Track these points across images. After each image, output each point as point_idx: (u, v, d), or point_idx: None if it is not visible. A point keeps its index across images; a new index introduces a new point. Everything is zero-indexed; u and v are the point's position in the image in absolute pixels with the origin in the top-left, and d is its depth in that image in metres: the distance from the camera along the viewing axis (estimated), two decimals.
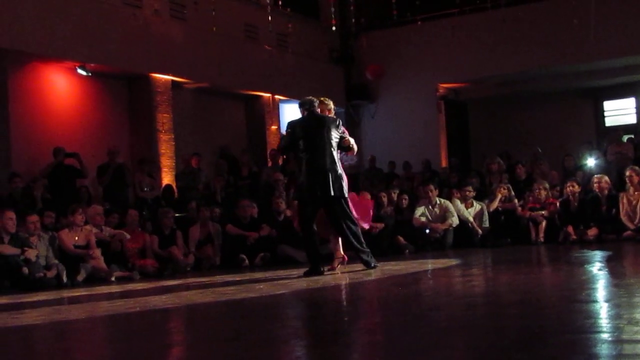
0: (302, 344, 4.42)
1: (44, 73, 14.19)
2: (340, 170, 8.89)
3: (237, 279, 9.59)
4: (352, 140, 9.17)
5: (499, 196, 13.67)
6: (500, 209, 13.63)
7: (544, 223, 12.93)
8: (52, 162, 13.21)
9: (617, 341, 3.79)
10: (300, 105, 9.23)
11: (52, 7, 13.43)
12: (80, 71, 14.16)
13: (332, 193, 8.74)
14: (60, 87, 14.56)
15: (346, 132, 9.22)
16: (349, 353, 4.16)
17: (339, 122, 9.12)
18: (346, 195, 8.93)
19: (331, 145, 8.88)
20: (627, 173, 12.54)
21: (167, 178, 15.45)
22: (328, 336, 4.76)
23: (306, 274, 8.78)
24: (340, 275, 8.64)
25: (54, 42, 13.50)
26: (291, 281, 8.61)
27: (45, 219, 11.34)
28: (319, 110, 9.19)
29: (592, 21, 17.06)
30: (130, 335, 5.15)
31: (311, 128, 8.97)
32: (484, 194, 14.36)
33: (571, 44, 18.30)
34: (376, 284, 7.70)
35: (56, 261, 10.51)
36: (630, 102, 21.21)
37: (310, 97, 9.26)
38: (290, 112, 20.02)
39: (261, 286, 8.45)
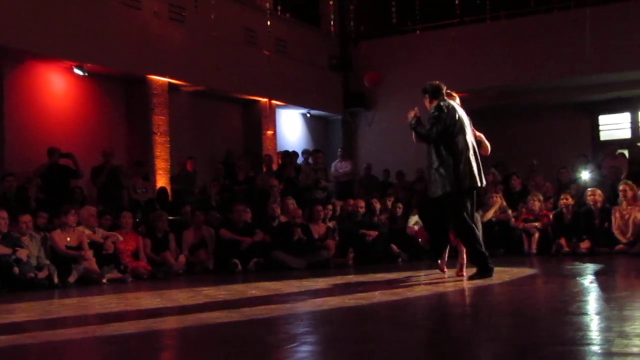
0: (294, 350, 4.41)
1: (41, 72, 14.17)
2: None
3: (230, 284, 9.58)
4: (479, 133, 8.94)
5: (496, 206, 13.68)
6: (494, 219, 13.63)
7: (537, 234, 12.94)
8: (46, 162, 13.17)
9: (607, 354, 3.79)
10: (426, 92, 8.61)
11: (50, 5, 13.41)
12: (77, 71, 14.14)
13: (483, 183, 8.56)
14: (57, 86, 14.53)
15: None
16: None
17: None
18: None
19: None
20: (621, 187, 12.57)
21: (162, 181, 15.42)
22: (319, 343, 4.76)
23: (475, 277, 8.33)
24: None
25: (51, 41, 13.48)
26: (282, 287, 8.62)
27: (38, 219, 11.30)
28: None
29: (587, 36, 17.11)
30: (122, 338, 5.13)
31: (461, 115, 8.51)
32: (478, 204, 14.34)
33: (568, 58, 18.34)
34: (367, 290, 7.68)
35: (48, 262, 10.46)
36: (625, 117, 21.26)
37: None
38: (287, 117, 20.08)
39: (253, 291, 8.45)
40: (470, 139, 8.45)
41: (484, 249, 8.44)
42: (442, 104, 8.38)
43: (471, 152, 8.38)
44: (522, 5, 18.87)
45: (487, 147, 8.93)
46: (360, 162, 19.50)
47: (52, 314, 7.05)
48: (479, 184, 8.41)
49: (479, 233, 8.63)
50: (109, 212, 12.58)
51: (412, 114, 8.53)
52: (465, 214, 8.32)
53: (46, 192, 12.86)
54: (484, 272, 8.29)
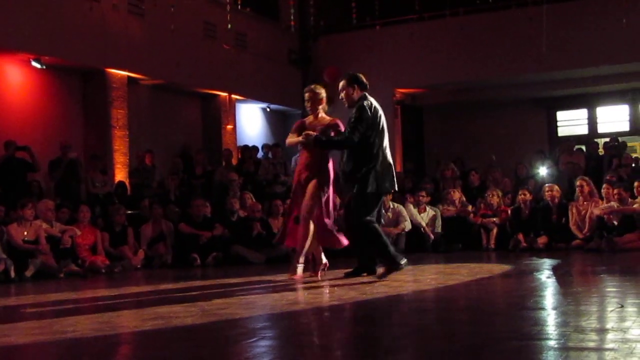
0: (253, 344, 4.41)
1: None
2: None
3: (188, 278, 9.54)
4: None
5: (456, 198, 13.83)
6: (454, 214, 13.74)
7: (495, 230, 13.06)
8: (2, 155, 13.01)
9: (564, 348, 3.84)
10: (356, 82, 8.34)
11: None
12: (34, 64, 13.96)
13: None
14: (14, 79, 14.34)
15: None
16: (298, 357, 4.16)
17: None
18: None
19: None
20: (578, 183, 12.73)
21: (120, 174, 15.31)
22: (278, 337, 4.77)
23: (385, 275, 7.96)
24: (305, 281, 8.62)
25: (8, 33, 13.27)
26: (241, 282, 8.61)
27: None
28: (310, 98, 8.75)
29: (544, 33, 17.28)
30: (79, 333, 5.09)
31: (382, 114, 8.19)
32: (437, 200, 14.46)
33: (526, 54, 18.49)
34: (326, 285, 7.69)
35: (4, 256, 10.35)
36: (582, 113, 21.51)
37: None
38: (247, 112, 20.02)
39: (213, 285, 8.43)
40: (387, 139, 8.21)
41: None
42: (365, 103, 8.09)
43: (388, 154, 8.16)
44: (480, 1, 18.98)
45: None
46: None
47: (8, 308, 6.98)
48: (396, 188, 8.34)
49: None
50: (67, 205, 12.48)
51: (310, 135, 8.25)
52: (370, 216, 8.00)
53: (2, 186, 12.70)
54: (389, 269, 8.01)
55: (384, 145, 8.11)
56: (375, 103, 8.21)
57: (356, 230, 8.12)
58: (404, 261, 7.93)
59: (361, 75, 8.41)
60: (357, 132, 7.93)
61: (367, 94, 8.27)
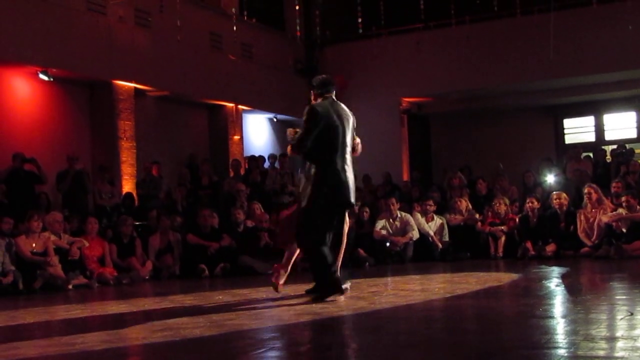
0: (261, 355, 4.40)
1: (5, 77, 14.01)
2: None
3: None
4: (358, 140, 7.70)
5: (463, 207, 13.82)
6: (461, 223, 13.73)
7: (503, 238, 13.03)
8: (8, 167, 13.04)
9: (573, 357, 3.82)
10: (324, 86, 7.62)
11: (14, 11, 13.27)
12: (42, 76, 14.01)
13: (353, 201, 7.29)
14: (22, 91, 14.39)
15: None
16: None
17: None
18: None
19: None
20: (586, 190, 12.70)
21: (127, 186, 15.33)
22: (286, 348, 4.76)
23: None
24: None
25: (16, 46, 13.34)
26: (249, 292, 8.60)
27: (3, 225, 11.16)
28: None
29: (551, 40, 17.27)
30: (87, 345, 5.09)
31: (338, 119, 7.32)
32: (444, 208, 14.44)
33: (533, 62, 18.49)
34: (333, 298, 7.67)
35: (13, 268, 10.37)
36: (589, 120, 21.48)
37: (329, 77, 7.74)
38: (254, 122, 20.04)
39: (220, 296, 8.42)
40: (348, 144, 7.41)
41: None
42: (316, 105, 7.43)
43: (348, 161, 7.35)
44: (486, 9, 18.99)
45: (357, 151, 7.81)
46: None
47: (17, 321, 6.98)
48: (352, 201, 7.28)
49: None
50: (75, 217, 12.50)
51: (291, 133, 7.66)
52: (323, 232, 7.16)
53: (11, 198, 12.72)
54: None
55: (340, 155, 7.28)
56: (334, 102, 7.50)
57: (303, 247, 7.48)
58: (346, 285, 7.12)
59: (321, 78, 7.84)
60: (307, 138, 7.29)
61: (329, 96, 7.56)
